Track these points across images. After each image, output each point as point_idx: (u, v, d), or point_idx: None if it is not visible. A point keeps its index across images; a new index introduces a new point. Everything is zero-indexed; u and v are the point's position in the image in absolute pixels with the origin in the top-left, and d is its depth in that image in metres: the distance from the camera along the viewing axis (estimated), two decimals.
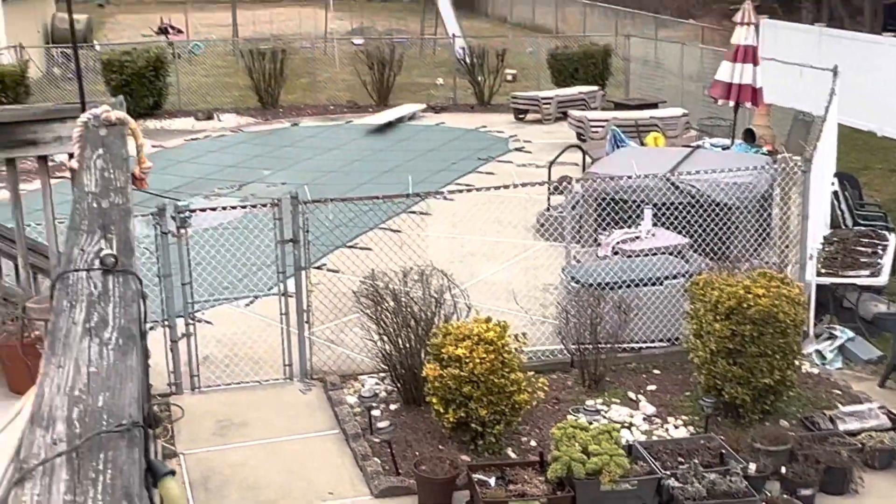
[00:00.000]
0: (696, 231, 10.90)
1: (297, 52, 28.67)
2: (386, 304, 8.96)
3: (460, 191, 12.88)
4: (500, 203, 13.77)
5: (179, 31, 37.39)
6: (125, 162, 3.50)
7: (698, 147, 15.53)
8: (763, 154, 15.78)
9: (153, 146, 19.77)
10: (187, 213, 9.17)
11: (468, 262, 12.52)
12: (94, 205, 2.91)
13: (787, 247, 10.94)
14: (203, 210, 9.96)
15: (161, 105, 23.98)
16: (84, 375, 2.08)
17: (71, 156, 4.15)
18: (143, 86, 23.19)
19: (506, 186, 10.81)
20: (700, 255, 10.76)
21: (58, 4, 33.66)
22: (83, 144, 3.79)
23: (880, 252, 11.40)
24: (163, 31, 37.65)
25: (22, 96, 22.17)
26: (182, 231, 9.12)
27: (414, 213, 13.08)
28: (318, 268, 11.42)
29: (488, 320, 8.18)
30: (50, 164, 5.52)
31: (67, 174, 4.86)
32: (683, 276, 9.93)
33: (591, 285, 9.62)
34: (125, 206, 2.92)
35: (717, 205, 11.08)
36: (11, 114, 4.72)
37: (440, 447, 8.18)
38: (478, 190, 11.23)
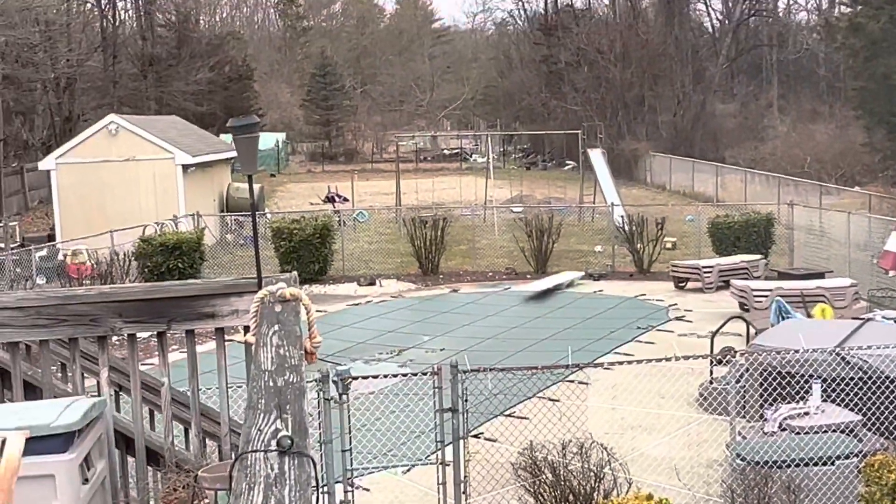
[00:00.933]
0: (868, 408, 10.42)
1: (457, 219, 29.40)
2: (544, 477, 8.83)
3: (620, 362, 12.75)
4: (660, 374, 13.53)
5: (345, 200, 38.89)
6: (299, 339, 3.63)
7: (869, 320, 14.99)
8: None
9: (317, 311, 20.33)
10: (349, 380, 9.31)
11: (628, 434, 12.26)
12: (271, 383, 3.02)
13: None
14: (365, 377, 10.11)
15: (326, 271, 24.80)
16: None
17: (247, 329, 4.32)
18: (309, 252, 24.10)
19: (667, 359, 10.62)
20: (874, 433, 10.26)
21: (233, 175, 35.59)
22: (259, 320, 3.95)
23: None
24: (330, 199, 39.23)
25: (197, 262, 23.29)
26: (343, 397, 9.26)
27: (572, 382, 12.97)
28: (476, 436, 11.37)
29: (650, 497, 7.93)
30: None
31: (237, 338, 5.06)
32: (856, 455, 9.47)
33: (757, 463, 9.26)
34: (299, 385, 3.02)
35: (891, 380, 10.60)
36: (195, 288, 4.98)
37: None
38: (638, 362, 11.07)
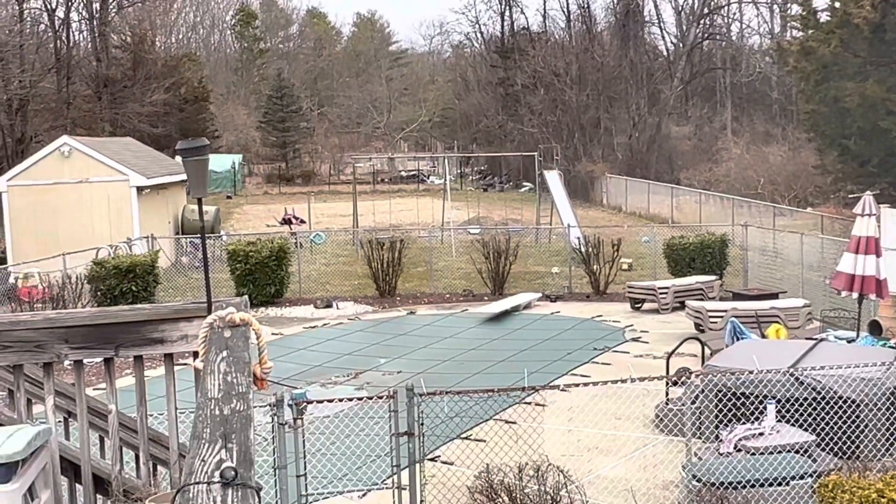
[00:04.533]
0: (822, 428, 10.50)
1: (414, 241, 29.37)
2: (500, 501, 8.79)
3: (576, 384, 12.77)
4: (617, 396, 13.55)
5: (302, 222, 38.68)
6: (248, 366, 3.57)
7: (822, 340, 15.14)
8: (891, 347, 15.27)
9: (273, 333, 20.20)
10: (304, 404, 9.23)
11: (585, 456, 12.25)
12: (217, 412, 2.96)
13: None
14: (320, 402, 10.03)
15: (282, 293, 24.64)
16: None
17: (196, 355, 4.25)
18: (265, 275, 23.93)
19: (623, 380, 10.64)
20: (827, 453, 10.33)
21: (189, 196, 35.31)
22: (208, 346, 3.88)
23: None
24: (286, 221, 38.98)
25: (151, 285, 23.03)
26: (298, 421, 9.17)
27: (529, 404, 12.95)
28: (433, 460, 11.30)
29: None
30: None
31: (187, 361, 4.98)
32: (811, 476, 9.52)
33: (713, 484, 9.28)
34: (246, 414, 2.95)
35: (844, 400, 10.69)
36: (143, 314, 4.89)
37: None
38: (594, 384, 11.07)
